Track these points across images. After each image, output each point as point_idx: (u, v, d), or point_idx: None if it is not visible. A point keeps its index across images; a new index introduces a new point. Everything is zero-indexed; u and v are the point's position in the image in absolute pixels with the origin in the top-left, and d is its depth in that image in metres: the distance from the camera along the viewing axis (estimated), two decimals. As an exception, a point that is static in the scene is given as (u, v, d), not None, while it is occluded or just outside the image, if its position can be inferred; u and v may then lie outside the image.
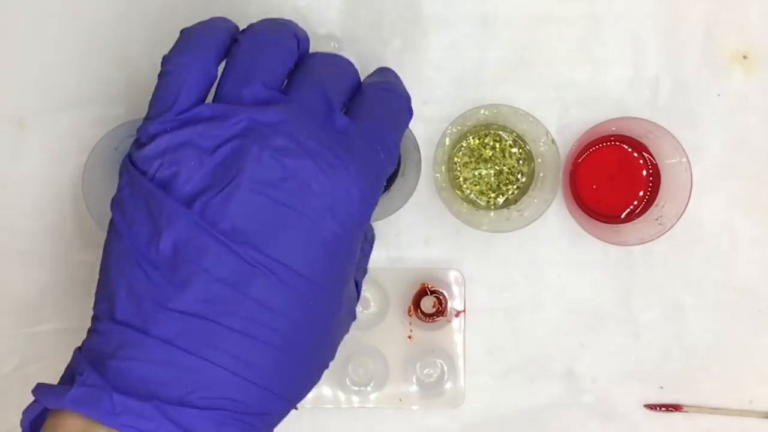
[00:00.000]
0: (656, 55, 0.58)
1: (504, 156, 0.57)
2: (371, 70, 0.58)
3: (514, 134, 0.57)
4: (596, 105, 0.58)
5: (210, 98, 0.41)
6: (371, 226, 0.51)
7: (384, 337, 0.57)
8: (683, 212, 0.53)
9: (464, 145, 0.57)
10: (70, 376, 0.38)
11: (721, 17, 0.58)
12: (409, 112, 0.45)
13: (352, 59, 0.58)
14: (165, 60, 0.41)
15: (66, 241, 0.58)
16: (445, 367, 0.57)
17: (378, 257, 0.58)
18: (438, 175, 0.55)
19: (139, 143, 0.40)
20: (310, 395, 0.42)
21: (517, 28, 0.58)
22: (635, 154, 0.57)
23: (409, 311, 0.57)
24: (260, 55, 0.41)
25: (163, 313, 0.36)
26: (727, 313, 0.58)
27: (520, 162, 0.57)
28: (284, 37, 0.42)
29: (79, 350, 0.39)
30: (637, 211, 0.57)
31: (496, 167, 0.57)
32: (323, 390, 0.57)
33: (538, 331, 0.58)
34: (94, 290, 0.40)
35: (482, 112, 0.55)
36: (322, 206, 0.38)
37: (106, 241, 0.40)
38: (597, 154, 0.57)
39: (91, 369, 0.37)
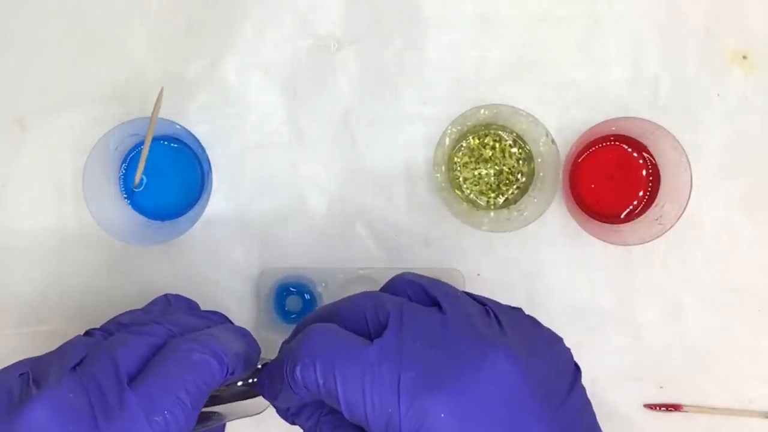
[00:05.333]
0: (656, 55, 0.58)
1: (504, 156, 0.57)
2: (371, 70, 0.59)
3: (514, 134, 0.57)
4: (596, 105, 0.58)
5: None
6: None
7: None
8: (683, 212, 0.53)
9: (464, 145, 0.57)
10: None
11: (721, 17, 0.58)
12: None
13: (352, 59, 0.59)
14: None
15: (66, 241, 0.58)
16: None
17: (378, 257, 0.58)
18: (438, 175, 0.55)
19: None
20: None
21: (517, 28, 0.58)
22: (635, 154, 0.57)
23: (409, 311, 0.57)
24: None
25: None
26: (727, 313, 0.58)
27: (520, 162, 0.57)
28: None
29: None
30: (637, 211, 0.57)
31: (496, 167, 0.57)
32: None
33: (538, 331, 0.58)
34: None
35: (482, 112, 0.55)
36: None
37: None
38: (597, 154, 0.57)
39: None
